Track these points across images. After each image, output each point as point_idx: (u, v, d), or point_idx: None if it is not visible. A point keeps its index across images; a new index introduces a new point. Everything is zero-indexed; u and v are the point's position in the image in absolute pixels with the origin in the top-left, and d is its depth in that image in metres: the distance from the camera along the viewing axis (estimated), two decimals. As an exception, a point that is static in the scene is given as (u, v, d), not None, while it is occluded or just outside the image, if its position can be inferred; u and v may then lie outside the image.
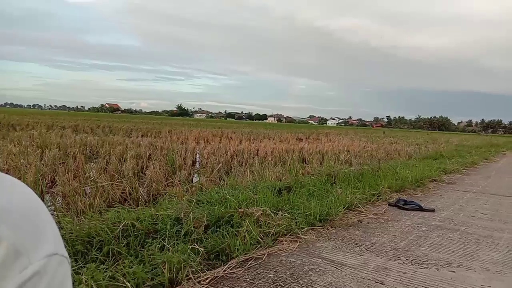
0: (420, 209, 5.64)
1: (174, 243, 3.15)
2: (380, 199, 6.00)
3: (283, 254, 3.44)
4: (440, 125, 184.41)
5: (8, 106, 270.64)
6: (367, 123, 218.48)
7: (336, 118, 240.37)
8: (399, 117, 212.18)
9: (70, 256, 1.86)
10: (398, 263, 3.45)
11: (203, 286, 2.67)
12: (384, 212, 5.32)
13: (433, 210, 5.61)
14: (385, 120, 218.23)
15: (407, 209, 5.58)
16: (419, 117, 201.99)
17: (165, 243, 3.14)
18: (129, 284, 2.36)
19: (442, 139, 35.03)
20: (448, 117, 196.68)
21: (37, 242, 0.43)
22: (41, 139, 12.57)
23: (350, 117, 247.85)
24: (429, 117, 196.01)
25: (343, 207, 4.97)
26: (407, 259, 3.56)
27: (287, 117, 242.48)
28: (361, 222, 4.68)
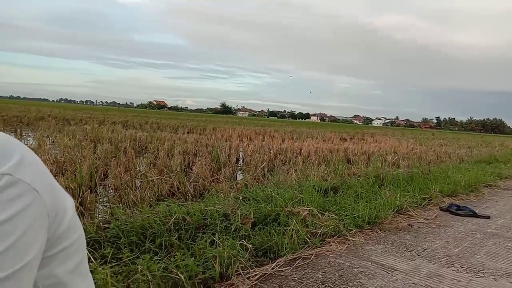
0: (474, 215, 5.37)
1: (223, 238, 3.20)
2: (431, 203, 5.78)
3: (331, 255, 3.40)
4: (494, 127, 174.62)
5: (62, 101, 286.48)
6: (415, 124, 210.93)
7: (382, 118, 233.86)
8: (449, 118, 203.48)
9: (125, 247, 1.93)
10: (452, 270, 3.31)
11: (252, 282, 2.70)
12: (436, 217, 5.12)
13: (488, 217, 5.33)
14: (434, 121, 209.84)
15: (460, 215, 5.34)
16: (471, 118, 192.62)
17: (214, 238, 3.20)
18: (182, 276, 2.43)
19: (496, 142, 33.12)
20: (503, 119, 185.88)
21: None
22: (94, 134, 13.20)
23: (397, 117, 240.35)
24: (482, 119, 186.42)
25: (393, 210, 4.84)
26: (462, 267, 3.40)
27: (331, 116, 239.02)
28: (411, 227, 4.53)
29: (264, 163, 8.76)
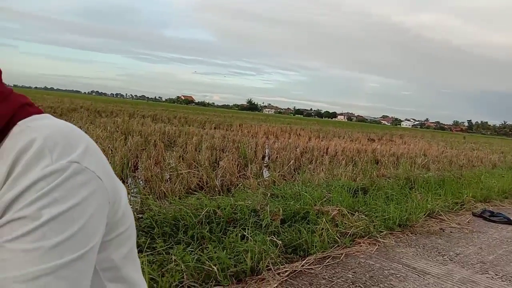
0: (509, 222, 5.20)
1: (254, 233, 3.23)
2: (464, 208, 5.63)
3: (361, 256, 3.38)
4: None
5: (94, 94, 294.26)
6: (445, 126, 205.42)
7: (411, 120, 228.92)
8: (481, 122, 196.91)
9: (159, 237, 1.98)
10: (486, 277, 3.23)
11: (282, 278, 2.71)
12: (468, 222, 4.99)
13: (524, 225, 5.14)
14: (466, 124, 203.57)
15: (494, 221, 5.18)
16: (505, 123, 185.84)
17: (245, 233, 3.23)
18: (215, 268, 2.47)
19: (532, 148, 31.83)
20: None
21: (64, 152, 0.56)
22: (125, 126, 13.50)
23: (427, 119, 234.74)
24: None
25: (424, 214, 4.75)
26: (496, 274, 3.31)
27: (358, 116, 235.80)
28: (443, 231, 4.43)
29: (292, 161, 8.75)
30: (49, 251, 0.50)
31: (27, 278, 0.47)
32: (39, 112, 0.66)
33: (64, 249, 0.52)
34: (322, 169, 8.06)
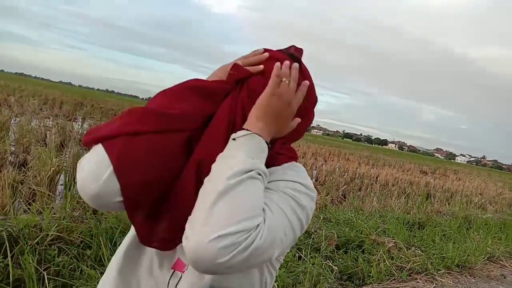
0: None
1: (310, 256, 3.27)
2: (527, 256, 5.31)
3: (418, 292, 3.31)
4: None
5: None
6: (503, 166, 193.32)
7: (466, 155, 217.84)
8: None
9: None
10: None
11: (338, 305, 2.73)
12: (532, 272, 4.70)
13: None
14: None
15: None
16: None
17: (300, 253, 3.28)
18: (275, 284, 2.54)
19: None
20: None
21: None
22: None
23: (484, 156, 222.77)
24: None
25: (484, 257, 4.55)
26: None
27: (410, 145, 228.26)
28: (504, 278, 4.22)
29: (345, 186, 8.68)
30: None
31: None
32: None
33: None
34: (374, 198, 7.92)
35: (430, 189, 12.43)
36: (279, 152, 0.82)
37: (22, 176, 4.72)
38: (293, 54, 0.82)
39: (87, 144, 0.70)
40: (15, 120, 9.78)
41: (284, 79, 0.76)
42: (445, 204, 8.83)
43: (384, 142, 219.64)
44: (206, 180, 0.67)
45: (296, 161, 0.88)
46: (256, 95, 0.76)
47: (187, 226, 0.64)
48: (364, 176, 12.41)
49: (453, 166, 43.00)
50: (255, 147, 0.72)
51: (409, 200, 8.26)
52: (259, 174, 0.69)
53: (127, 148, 0.67)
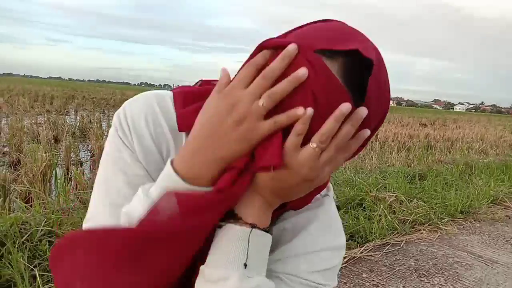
0: None
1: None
2: (531, 195, 5.29)
3: (423, 243, 3.28)
4: None
5: (143, 85, 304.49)
6: (502, 110, 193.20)
7: (465, 103, 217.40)
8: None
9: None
10: (561, 268, 3.02)
11: (342, 265, 2.69)
12: (537, 209, 4.69)
13: None
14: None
15: None
16: None
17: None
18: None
19: None
20: None
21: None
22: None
23: (482, 102, 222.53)
24: None
25: (487, 200, 4.51)
26: None
27: (408, 100, 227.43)
28: (509, 218, 4.19)
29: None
30: None
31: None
32: None
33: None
34: (373, 156, 7.85)
35: (430, 140, 12.38)
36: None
37: (16, 174, 4.66)
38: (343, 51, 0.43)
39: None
40: (6, 120, 9.64)
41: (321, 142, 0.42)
42: (446, 154, 8.78)
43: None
44: None
45: (328, 191, 0.64)
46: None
47: None
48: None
49: (452, 116, 42.91)
50: (255, 249, 0.46)
51: (410, 153, 8.21)
52: None
53: None
